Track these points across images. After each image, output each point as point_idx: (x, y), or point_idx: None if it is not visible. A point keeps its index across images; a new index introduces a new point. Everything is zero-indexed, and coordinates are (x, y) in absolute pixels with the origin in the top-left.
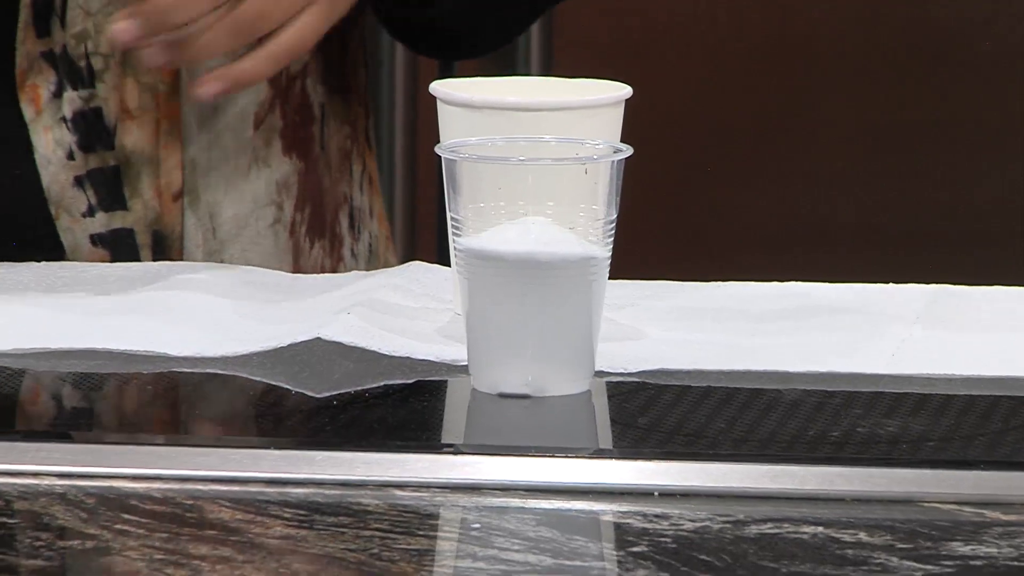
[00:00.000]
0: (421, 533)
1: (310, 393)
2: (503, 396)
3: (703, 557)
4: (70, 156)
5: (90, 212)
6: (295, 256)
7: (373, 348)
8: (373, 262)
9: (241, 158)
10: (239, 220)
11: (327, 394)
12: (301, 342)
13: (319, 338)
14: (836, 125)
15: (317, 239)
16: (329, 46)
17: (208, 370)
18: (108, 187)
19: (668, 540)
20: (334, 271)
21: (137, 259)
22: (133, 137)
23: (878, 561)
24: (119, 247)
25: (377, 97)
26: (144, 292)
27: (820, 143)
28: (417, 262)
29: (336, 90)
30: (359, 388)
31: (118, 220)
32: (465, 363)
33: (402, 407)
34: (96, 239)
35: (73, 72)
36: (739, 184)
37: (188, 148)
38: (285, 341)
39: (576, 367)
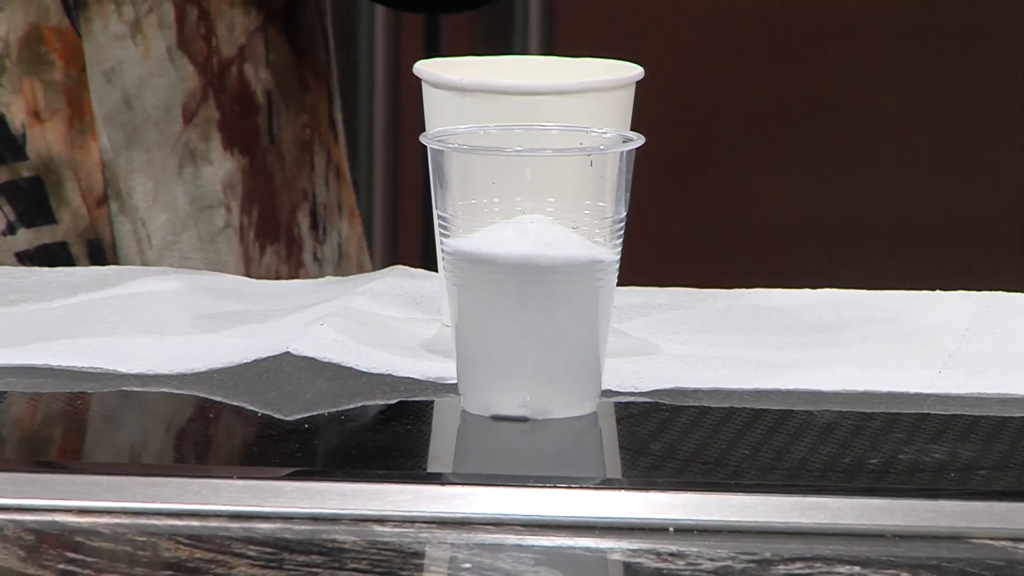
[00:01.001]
0: (405, 574)
1: (278, 416)
2: (498, 419)
3: None
4: None
5: (10, 230)
6: (245, 264)
7: (350, 364)
8: (344, 266)
9: (169, 156)
10: (174, 225)
11: (297, 416)
12: (267, 358)
13: (288, 353)
14: (876, 109)
15: (269, 244)
16: (274, 22)
17: (162, 389)
18: (28, 201)
19: None
20: (292, 279)
21: None
22: (46, 142)
23: None
24: (53, 264)
25: (355, 80)
26: (88, 301)
27: (857, 131)
28: (400, 266)
29: (287, 73)
30: (334, 410)
31: (46, 235)
32: (454, 381)
33: (383, 431)
34: (23, 257)
35: None
36: (765, 178)
37: (104, 146)
38: (249, 356)
39: (581, 386)
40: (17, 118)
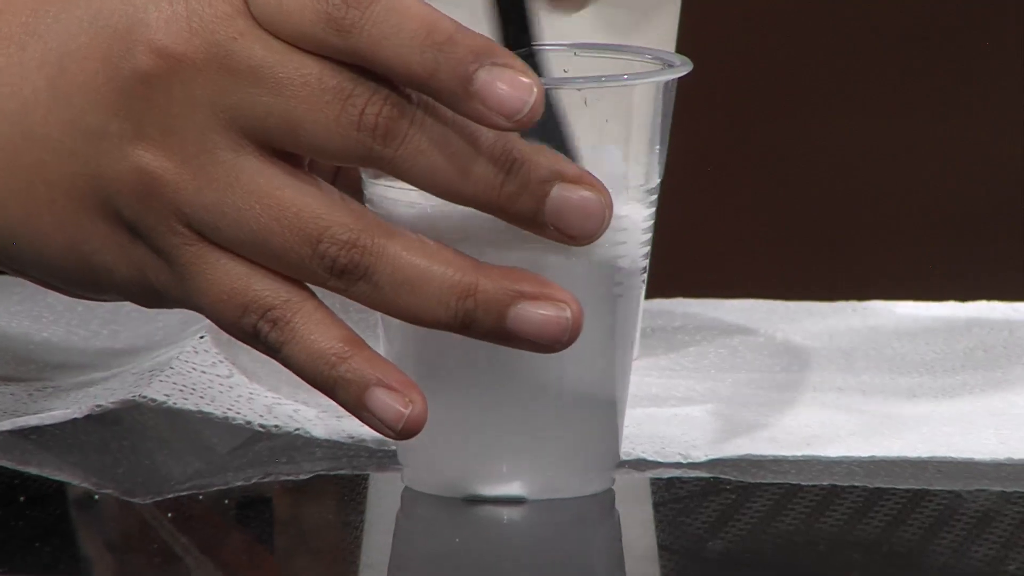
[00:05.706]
0: None
1: (126, 498)
2: (471, 501)
3: None
4: None
5: None
6: None
7: (239, 420)
8: None
9: None
10: None
11: (156, 499)
12: (108, 411)
13: (136, 402)
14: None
15: None
16: None
17: None
18: None
19: None
20: None
21: None
22: None
23: None
24: None
25: None
26: None
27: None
28: None
29: None
30: (213, 488)
31: None
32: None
33: (290, 523)
34: None
35: None
36: (874, 124)
37: None
38: (81, 408)
39: (591, 450)
40: None
